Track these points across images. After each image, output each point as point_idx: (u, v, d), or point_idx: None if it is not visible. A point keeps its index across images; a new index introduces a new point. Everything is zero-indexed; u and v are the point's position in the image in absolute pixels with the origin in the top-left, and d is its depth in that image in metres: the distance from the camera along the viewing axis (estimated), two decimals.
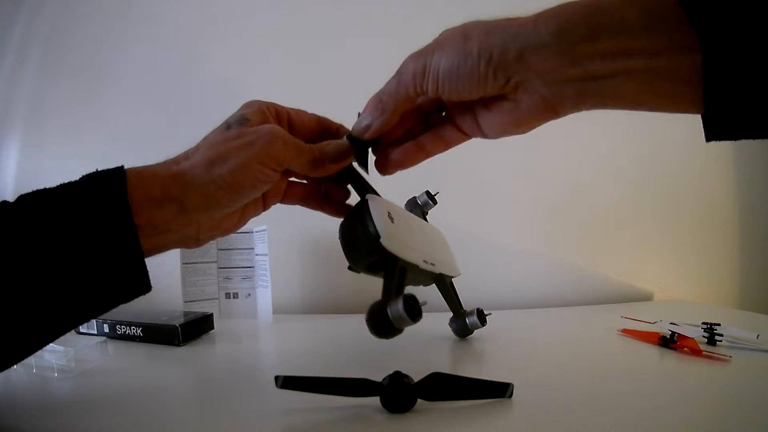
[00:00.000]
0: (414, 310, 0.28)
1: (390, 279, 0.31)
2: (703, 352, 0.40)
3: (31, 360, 0.38)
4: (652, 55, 0.22)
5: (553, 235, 0.70)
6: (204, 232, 0.31)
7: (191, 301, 0.57)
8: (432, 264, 0.37)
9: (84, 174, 0.28)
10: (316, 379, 0.30)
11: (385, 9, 0.68)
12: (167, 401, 0.34)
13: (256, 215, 0.34)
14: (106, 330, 0.47)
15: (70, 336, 0.47)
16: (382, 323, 0.29)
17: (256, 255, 0.59)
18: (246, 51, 0.68)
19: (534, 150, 0.69)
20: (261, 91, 0.65)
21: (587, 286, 0.70)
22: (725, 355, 0.39)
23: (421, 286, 0.43)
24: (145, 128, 0.69)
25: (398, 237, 0.33)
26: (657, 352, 0.41)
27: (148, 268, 0.28)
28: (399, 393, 0.29)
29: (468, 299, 0.48)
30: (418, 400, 0.30)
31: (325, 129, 0.35)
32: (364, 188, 0.36)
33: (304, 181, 0.36)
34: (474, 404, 0.30)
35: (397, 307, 0.28)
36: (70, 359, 0.37)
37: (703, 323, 0.46)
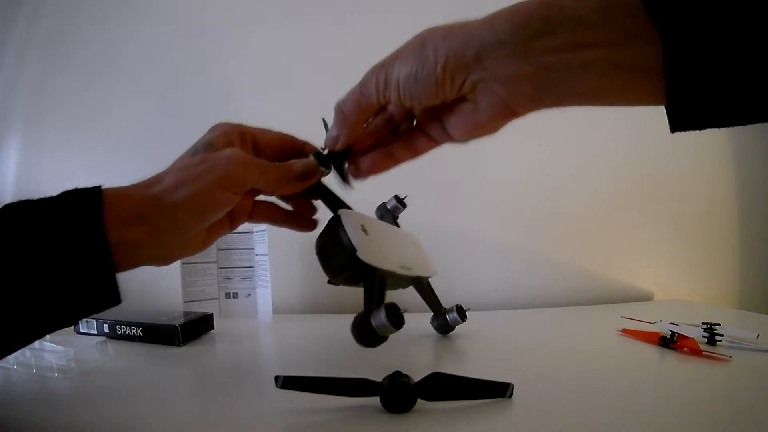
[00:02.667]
0: (396, 318, 0.30)
1: (370, 290, 0.33)
2: (703, 352, 0.40)
3: (31, 360, 0.38)
4: (610, 48, 0.22)
5: (553, 235, 0.70)
6: (172, 252, 0.32)
7: (191, 301, 0.57)
8: (409, 269, 0.38)
9: (65, 189, 0.29)
10: (316, 379, 0.30)
11: (384, 7, 0.68)
12: (167, 401, 0.34)
13: (223, 234, 0.35)
14: (106, 330, 0.47)
15: (70, 336, 0.48)
16: (366, 333, 0.30)
17: (256, 255, 0.59)
18: (245, 50, 0.68)
19: (534, 150, 0.69)
20: (260, 91, 0.65)
21: (587, 286, 0.70)
22: (725, 355, 0.39)
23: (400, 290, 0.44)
24: (145, 128, 0.69)
25: (374, 248, 0.34)
26: (657, 352, 0.41)
27: (122, 282, 0.29)
28: (399, 393, 0.29)
29: (469, 300, 0.48)
30: (418, 400, 0.30)
31: (290, 147, 0.36)
32: (336, 203, 0.37)
33: (271, 200, 0.37)
34: (474, 404, 0.30)
35: (380, 316, 0.29)
36: (70, 359, 0.37)
37: (703, 323, 0.46)
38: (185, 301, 0.56)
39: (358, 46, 0.68)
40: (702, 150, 0.73)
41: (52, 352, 0.38)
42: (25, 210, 0.27)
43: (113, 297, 0.28)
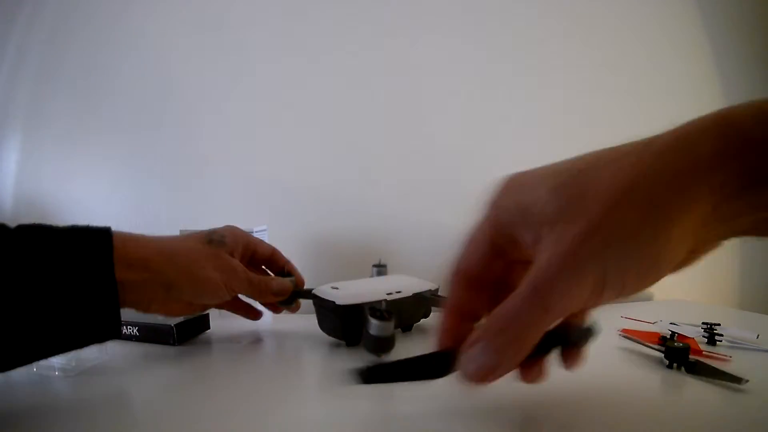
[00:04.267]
0: (378, 312, 0.36)
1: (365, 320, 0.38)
2: (703, 352, 0.40)
3: None
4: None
5: None
6: (154, 306, 0.37)
7: None
8: (398, 292, 0.45)
9: (76, 225, 0.32)
10: (399, 363, 0.27)
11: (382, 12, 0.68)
12: (166, 400, 0.34)
13: (195, 313, 0.44)
14: None
15: None
16: (373, 343, 0.36)
17: None
18: (245, 49, 0.68)
19: (534, 150, 0.69)
20: (259, 93, 0.65)
21: None
22: (725, 355, 0.39)
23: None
24: (145, 129, 0.69)
25: (347, 294, 0.42)
26: (657, 353, 0.41)
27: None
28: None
29: None
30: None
31: (275, 260, 0.46)
32: (309, 293, 0.45)
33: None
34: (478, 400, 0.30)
35: (369, 323, 0.36)
36: (71, 358, 0.37)
37: (703, 323, 0.46)
38: None
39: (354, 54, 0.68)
40: None
41: None
42: (41, 237, 0.30)
43: (116, 329, 0.32)
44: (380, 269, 0.55)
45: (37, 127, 0.69)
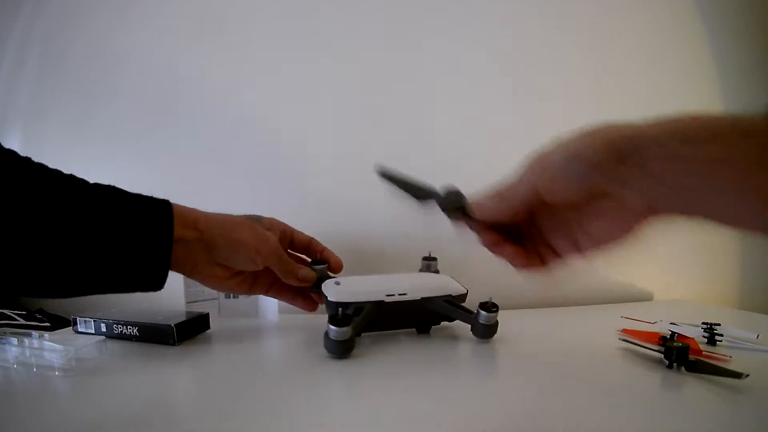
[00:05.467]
0: (335, 318, 0.39)
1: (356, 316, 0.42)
2: (703, 352, 0.40)
3: (31, 359, 0.38)
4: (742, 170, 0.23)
5: None
6: (198, 267, 0.41)
7: (193, 302, 0.57)
8: (402, 294, 0.45)
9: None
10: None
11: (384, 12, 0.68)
12: (165, 400, 0.34)
13: (240, 293, 0.49)
14: (104, 329, 0.48)
15: (70, 335, 0.48)
16: (330, 344, 0.39)
17: None
18: (245, 48, 0.68)
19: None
20: (261, 86, 0.65)
21: (587, 286, 0.70)
22: (725, 355, 0.39)
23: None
24: (145, 125, 0.69)
25: (344, 291, 0.44)
26: (656, 353, 0.41)
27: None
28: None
29: (469, 300, 0.48)
30: None
31: (313, 248, 0.50)
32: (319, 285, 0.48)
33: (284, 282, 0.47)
34: (483, 388, 0.30)
35: (328, 327, 0.39)
36: (71, 358, 0.37)
37: (703, 323, 0.46)
38: (188, 302, 0.56)
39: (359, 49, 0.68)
40: None
41: (53, 351, 0.38)
42: (115, 195, 0.36)
43: (161, 277, 0.37)
44: (430, 263, 0.53)
45: (37, 127, 0.69)
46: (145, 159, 0.69)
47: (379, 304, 0.44)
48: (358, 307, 0.43)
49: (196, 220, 0.40)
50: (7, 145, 0.35)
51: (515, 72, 0.71)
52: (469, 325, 0.45)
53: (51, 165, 0.37)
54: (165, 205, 0.38)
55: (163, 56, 0.69)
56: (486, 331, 0.45)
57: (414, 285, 0.46)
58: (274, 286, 0.47)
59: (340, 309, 0.40)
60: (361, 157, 0.68)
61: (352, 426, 0.28)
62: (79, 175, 0.36)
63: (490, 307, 0.44)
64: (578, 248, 0.32)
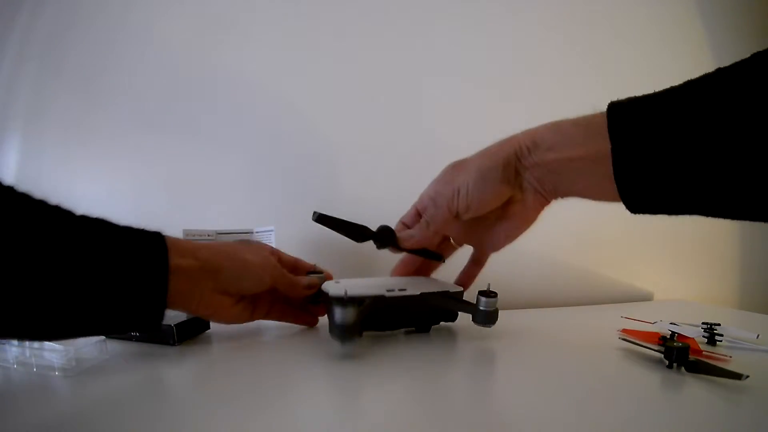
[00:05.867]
0: (341, 300, 0.39)
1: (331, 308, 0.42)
2: (703, 352, 0.40)
3: (31, 359, 0.38)
4: (590, 162, 0.33)
5: (553, 235, 0.70)
6: (204, 299, 0.39)
7: None
8: (402, 290, 0.46)
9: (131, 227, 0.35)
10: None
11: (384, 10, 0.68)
12: (165, 400, 0.34)
13: (243, 320, 0.45)
14: None
15: None
16: (336, 329, 0.39)
17: None
18: (246, 48, 0.68)
19: None
20: (260, 86, 0.65)
21: (587, 286, 0.70)
22: (725, 355, 0.39)
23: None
24: (145, 127, 0.69)
25: (340, 288, 0.43)
26: (656, 353, 0.41)
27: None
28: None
29: (468, 300, 0.48)
30: None
31: (300, 266, 0.50)
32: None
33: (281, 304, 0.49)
34: (485, 388, 0.30)
35: (333, 310, 0.39)
36: (71, 358, 0.37)
37: (703, 323, 0.46)
38: None
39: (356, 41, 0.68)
40: None
41: (53, 351, 0.38)
42: (102, 228, 0.33)
43: (158, 313, 0.34)
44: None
45: (37, 128, 0.69)
46: (146, 160, 0.69)
47: (379, 299, 0.44)
48: (360, 301, 0.43)
49: (195, 249, 0.38)
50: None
51: (515, 72, 0.71)
52: (471, 320, 0.46)
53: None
54: (157, 236, 0.35)
55: (164, 56, 0.69)
56: (487, 318, 0.45)
57: (413, 282, 0.47)
58: (274, 308, 0.48)
59: (345, 291, 0.40)
60: (361, 157, 0.69)
61: (352, 426, 0.28)
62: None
63: (489, 293, 0.45)
64: (494, 248, 0.44)
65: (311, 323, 0.51)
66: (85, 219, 0.32)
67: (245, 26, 0.68)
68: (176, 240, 0.37)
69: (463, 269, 0.48)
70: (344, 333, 0.39)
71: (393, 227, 0.46)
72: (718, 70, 0.29)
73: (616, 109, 0.32)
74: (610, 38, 0.72)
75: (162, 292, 0.34)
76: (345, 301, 0.39)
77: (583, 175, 0.34)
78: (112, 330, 0.33)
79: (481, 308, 0.44)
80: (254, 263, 0.42)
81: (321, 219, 0.44)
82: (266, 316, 0.48)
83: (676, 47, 0.73)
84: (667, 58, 0.73)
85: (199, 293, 0.38)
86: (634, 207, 0.33)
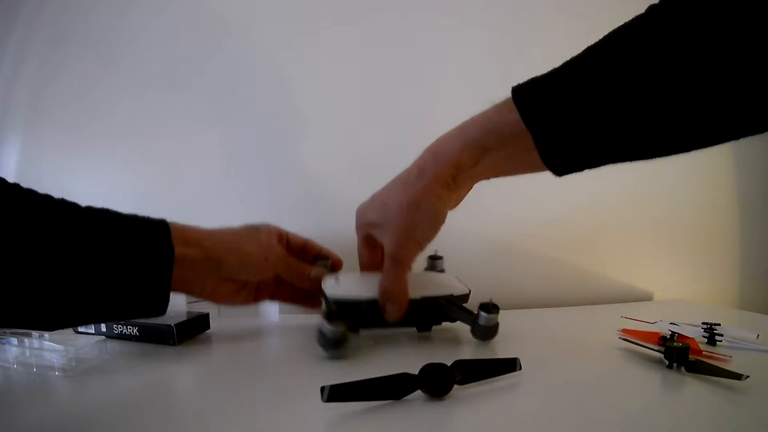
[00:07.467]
0: (331, 315, 0.40)
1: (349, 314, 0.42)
2: (703, 352, 0.40)
3: (31, 359, 0.38)
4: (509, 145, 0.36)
5: (553, 235, 0.70)
6: (208, 286, 0.40)
7: (193, 302, 0.57)
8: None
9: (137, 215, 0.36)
10: (361, 383, 0.30)
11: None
12: (165, 400, 0.34)
13: (247, 303, 0.46)
14: (104, 329, 0.47)
15: (70, 335, 0.47)
16: (320, 339, 0.39)
17: None
18: (246, 48, 0.68)
19: None
20: (261, 88, 0.65)
21: (587, 286, 0.70)
22: (725, 355, 0.39)
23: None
24: (145, 128, 0.69)
25: (339, 287, 0.44)
26: (656, 353, 0.41)
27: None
28: (439, 377, 0.31)
29: (471, 299, 0.48)
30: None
31: (309, 249, 0.50)
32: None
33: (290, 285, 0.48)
34: (491, 389, 0.30)
35: (322, 324, 0.39)
36: (71, 358, 0.37)
37: (703, 323, 0.46)
38: (188, 302, 0.56)
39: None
40: (702, 150, 0.73)
41: (53, 351, 0.38)
42: (108, 218, 0.34)
43: (162, 299, 0.35)
44: (435, 262, 0.52)
45: (37, 128, 0.69)
46: (146, 160, 0.69)
47: (373, 303, 0.43)
48: (356, 303, 0.43)
49: (200, 238, 0.39)
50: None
51: (515, 68, 0.71)
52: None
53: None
54: (162, 225, 0.36)
55: (164, 57, 0.69)
56: (486, 333, 0.44)
57: (414, 284, 0.45)
58: (280, 290, 0.48)
59: (335, 305, 0.40)
60: (361, 158, 0.69)
61: (352, 426, 0.28)
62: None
63: (490, 308, 0.42)
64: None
65: (315, 305, 0.50)
66: (90, 210, 0.34)
67: (245, 26, 0.68)
68: (182, 228, 0.37)
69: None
70: (331, 347, 0.39)
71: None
72: (615, 30, 0.31)
73: (520, 87, 0.35)
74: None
75: (166, 281, 0.35)
76: (334, 315, 0.39)
77: (512, 160, 0.37)
78: (117, 317, 0.35)
79: (480, 323, 0.43)
80: (256, 255, 0.42)
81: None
82: (272, 298, 0.49)
83: None
84: None
85: (203, 281, 0.40)
86: (559, 169, 0.34)
